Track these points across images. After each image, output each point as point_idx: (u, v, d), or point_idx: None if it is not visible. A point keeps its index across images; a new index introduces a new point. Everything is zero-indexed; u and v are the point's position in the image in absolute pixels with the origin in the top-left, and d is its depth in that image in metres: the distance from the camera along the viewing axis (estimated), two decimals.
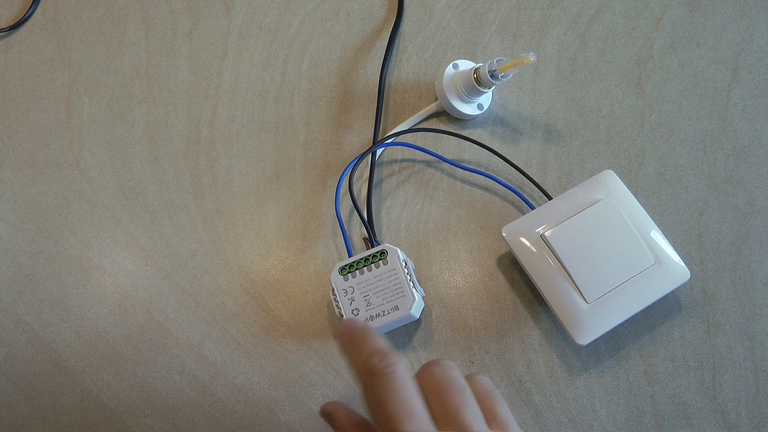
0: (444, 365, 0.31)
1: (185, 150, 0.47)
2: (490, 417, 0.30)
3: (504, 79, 0.43)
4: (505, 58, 0.43)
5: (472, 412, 0.29)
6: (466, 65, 0.47)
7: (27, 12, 0.50)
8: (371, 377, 0.29)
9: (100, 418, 0.41)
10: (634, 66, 0.48)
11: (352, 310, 0.39)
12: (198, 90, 0.48)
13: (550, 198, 0.43)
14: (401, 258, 0.40)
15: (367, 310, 0.39)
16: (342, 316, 0.39)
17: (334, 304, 0.40)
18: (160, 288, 0.43)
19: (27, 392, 0.41)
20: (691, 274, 0.40)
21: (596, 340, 0.39)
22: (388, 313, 0.39)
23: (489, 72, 0.43)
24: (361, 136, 0.47)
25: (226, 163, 0.46)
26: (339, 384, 0.41)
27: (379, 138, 0.46)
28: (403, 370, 0.29)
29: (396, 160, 0.46)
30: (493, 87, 0.45)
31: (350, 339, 0.32)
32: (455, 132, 0.45)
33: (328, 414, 0.35)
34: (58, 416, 0.41)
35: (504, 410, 0.31)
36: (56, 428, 0.41)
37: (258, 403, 0.41)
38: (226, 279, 0.44)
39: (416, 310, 0.39)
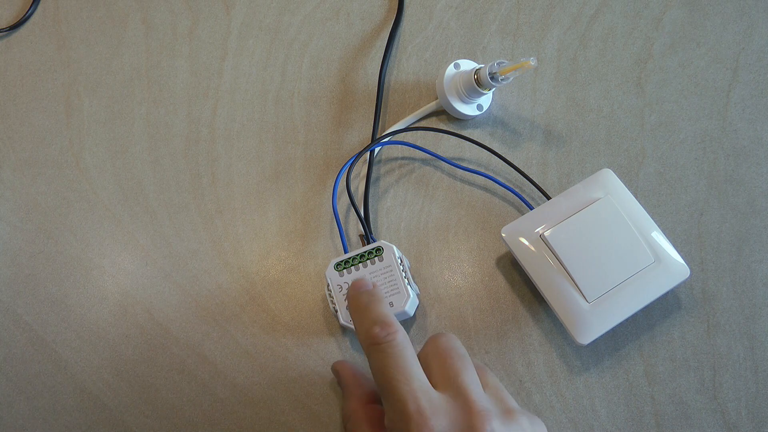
0: (448, 336, 0.34)
1: (185, 150, 0.47)
2: (483, 384, 0.33)
3: (504, 82, 0.43)
4: (505, 61, 0.43)
5: (470, 376, 0.32)
6: (467, 65, 0.47)
7: (27, 12, 0.50)
8: (373, 346, 0.32)
9: (100, 418, 0.41)
10: (634, 66, 0.48)
11: (347, 306, 0.39)
12: (198, 90, 0.48)
13: (549, 198, 0.43)
14: (396, 255, 0.40)
15: None
16: (336, 311, 0.39)
17: (329, 299, 0.40)
18: (160, 288, 0.43)
19: (27, 392, 0.41)
20: (691, 272, 0.40)
21: (596, 340, 0.39)
22: None
23: (489, 74, 0.43)
24: (361, 135, 0.47)
25: (226, 163, 0.46)
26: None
27: (378, 137, 0.46)
28: (401, 339, 0.32)
29: (396, 160, 0.46)
30: (493, 89, 0.45)
31: (356, 307, 0.35)
32: (455, 131, 0.45)
33: (336, 372, 0.39)
34: (58, 416, 0.41)
35: (494, 379, 0.34)
36: (56, 428, 0.41)
37: (258, 403, 0.41)
38: (226, 279, 0.44)
39: (410, 307, 0.39)
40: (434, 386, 0.31)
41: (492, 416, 0.30)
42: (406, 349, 0.32)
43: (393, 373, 0.31)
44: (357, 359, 0.41)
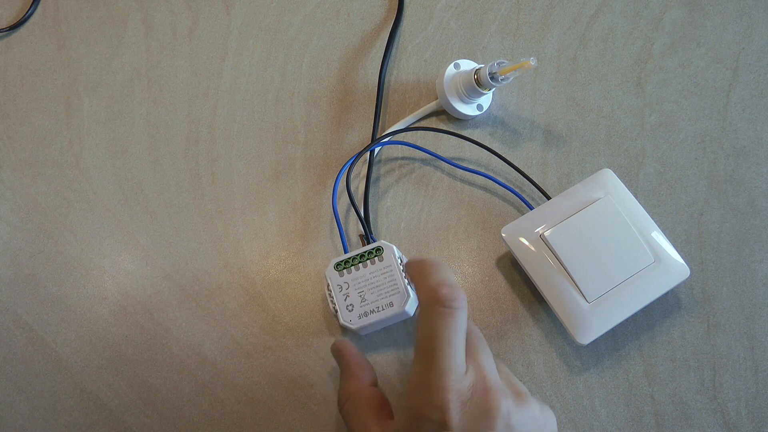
0: (469, 321, 0.34)
1: (185, 150, 0.47)
2: (497, 369, 0.34)
3: (504, 82, 0.43)
4: (505, 61, 0.43)
5: (487, 357, 0.33)
6: (467, 65, 0.47)
7: (27, 12, 0.50)
8: (435, 305, 0.32)
9: (100, 418, 0.41)
10: (634, 66, 0.48)
11: (347, 306, 0.39)
12: (198, 90, 0.48)
13: (549, 198, 0.43)
14: (396, 255, 0.40)
15: (361, 306, 0.39)
16: (336, 311, 0.39)
17: (329, 299, 0.40)
18: (160, 288, 0.43)
19: (27, 392, 0.41)
20: (691, 272, 0.40)
21: (596, 339, 0.39)
22: (383, 309, 0.39)
23: (489, 74, 0.43)
24: (361, 135, 0.47)
25: (226, 163, 0.46)
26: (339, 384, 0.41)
27: (378, 137, 0.46)
28: (464, 313, 0.32)
29: (396, 160, 0.46)
30: (493, 89, 0.45)
31: (422, 267, 0.34)
32: (455, 131, 0.45)
33: (338, 351, 0.38)
34: (58, 416, 0.41)
35: (506, 367, 0.36)
36: (56, 428, 0.41)
37: (258, 403, 0.41)
38: (226, 279, 0.44)
39: (410, 307, 0.39)
40: None
41: (507, 396, 0.31)
42: (463, 326, 0.32)
43: (442, 344, 0.31)
44: None
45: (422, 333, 0.32)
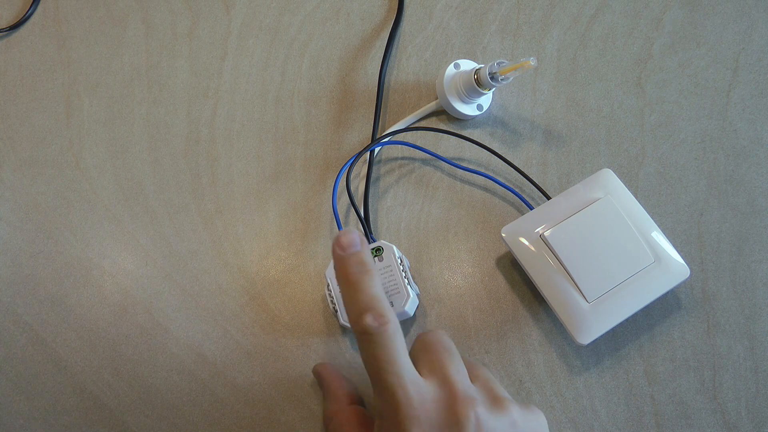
0: (435, 332, 0.34)
1: (185, 150, 0.47)
2: (473, 376, 0.33)
3: (504, 82, 0.43)
4: (505, 61, 0.43)
5: (455, 367, 0.32)
6: (467, 65, 0.47)
7: (27, 12, 0.50)
8: (364, 335, 0.31)
9: (100, 418, 0.41)
10: (634, 66, 0.48)
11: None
12: (198, 90, 0.48)
13: (549, 198, 0.43)
14: (396, 255, 0.40)
15: None
16: (336, 311, 0.39)
17: (329, 299, 0.40)
18: (160, 288, 0.43)
19: (27, 392, 0.41)
20: (691, 272, 0.40)
21: (596, 340, 0.39)
22: None
23: (489, 74, 0.43)
24: (361, 135, 0.47)
25: (226, 163, 0.46)
26: None
27: (378, 137, 0.46)
28: (392, 329, 0.31)
29: (396, 160, 0.46)
30: (493, 89, 0.45)
31: (345, 277, 0.32)
32: (455, 131, 0.45)
33: (318, 374, 0.39)
34: (58, 416, 0.41)
35: (485, 372, 0.34)
36: (56, 428, 0.41)
37: (258, 403, 0.41)
38: (226, 279, 0.44)
39: (411, 307, 0.39)
40: (421, 377, 0.32)
41: (476, 403, 0.31)
42: (396, 340, 0.31)
43: (383, 363, 0.31)
44: (357, 359, 0.41)
45: (364, 361, 0.32)
